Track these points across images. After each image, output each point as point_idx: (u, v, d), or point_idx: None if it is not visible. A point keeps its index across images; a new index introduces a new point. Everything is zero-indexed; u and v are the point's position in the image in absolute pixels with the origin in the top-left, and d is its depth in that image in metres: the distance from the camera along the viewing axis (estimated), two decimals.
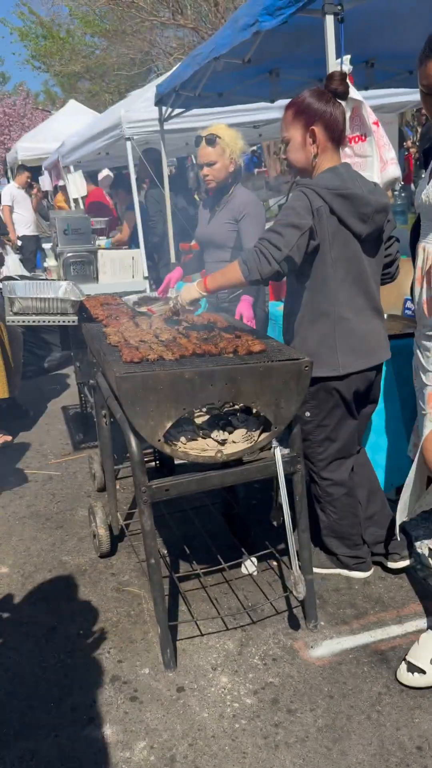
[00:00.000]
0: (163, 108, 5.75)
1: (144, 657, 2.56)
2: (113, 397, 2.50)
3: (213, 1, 17.49)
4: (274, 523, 3.19)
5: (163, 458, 4.08)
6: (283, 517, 2.43)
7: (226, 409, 2.54)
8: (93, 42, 23.07)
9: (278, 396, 2.32)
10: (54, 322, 3.53)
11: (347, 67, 3.05)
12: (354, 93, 2.97)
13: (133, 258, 6.50)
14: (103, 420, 3.10)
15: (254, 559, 3.03)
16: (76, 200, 9.91)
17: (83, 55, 22.22)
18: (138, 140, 6.15)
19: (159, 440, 2.25)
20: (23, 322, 3.51)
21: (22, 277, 6.19)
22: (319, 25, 3.04)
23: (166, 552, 3.22)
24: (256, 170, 16.78)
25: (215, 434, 2.39)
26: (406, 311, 3.64)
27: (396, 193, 12.24)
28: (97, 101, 22.56)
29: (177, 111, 5.71)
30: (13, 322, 3.48)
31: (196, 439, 2.39)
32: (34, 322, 3.52)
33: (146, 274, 6.54)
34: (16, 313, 3.54)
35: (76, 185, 9.94)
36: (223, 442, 2.38)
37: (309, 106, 2.44)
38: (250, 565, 3.05)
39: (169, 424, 2.24)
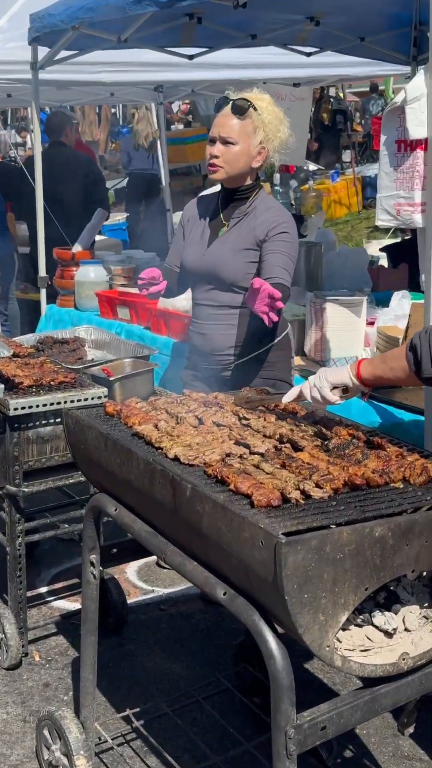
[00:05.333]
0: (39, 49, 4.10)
1: None
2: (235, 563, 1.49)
3: None
4: (405, 732, 2.25)
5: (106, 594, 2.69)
6: None
7: None
8: None
9: None
10: None
11: None
12: None
13: None
14: (91, 574, 1.93)
15: None
16: None
17: None
18: None
19: (328, 646, 1.28)
20: None
21: None
22: None
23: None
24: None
25: (379, 620, 1.46)
26: None
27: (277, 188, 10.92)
28: None
29: (61, 55, 4.04)
30: None
31: (349, 629, 1.45)
32: None
33: None
34: None
35: None
36: (392, 633, 1.46)
37: None
38: None
39: (344, 618, 1.29)
